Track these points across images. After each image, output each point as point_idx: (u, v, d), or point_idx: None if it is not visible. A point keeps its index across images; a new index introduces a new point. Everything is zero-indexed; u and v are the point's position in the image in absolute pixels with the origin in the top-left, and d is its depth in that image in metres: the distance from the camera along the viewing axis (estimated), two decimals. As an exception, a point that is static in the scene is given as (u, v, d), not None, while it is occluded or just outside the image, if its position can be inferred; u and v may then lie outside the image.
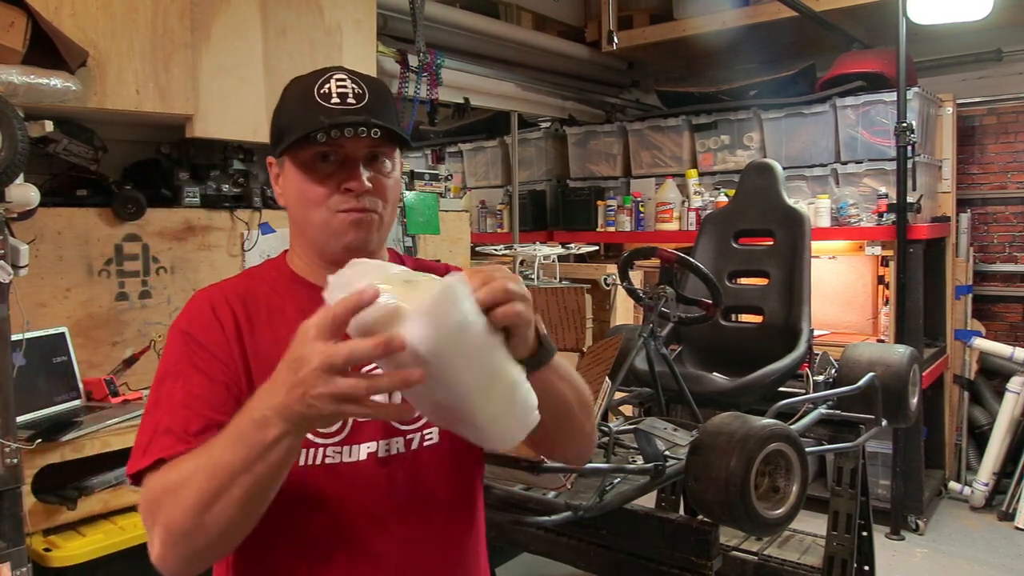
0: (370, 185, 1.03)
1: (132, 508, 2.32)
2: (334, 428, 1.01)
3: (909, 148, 3.69)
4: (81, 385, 2.45)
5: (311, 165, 1.03)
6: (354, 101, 1.02)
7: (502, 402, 0.85)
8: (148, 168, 2.85)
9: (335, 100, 1.01)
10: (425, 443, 1.07)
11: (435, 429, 1.07)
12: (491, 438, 0.88)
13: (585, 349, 3.22)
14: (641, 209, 4.69)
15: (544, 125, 5.23)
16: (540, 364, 0.94)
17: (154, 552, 0.90)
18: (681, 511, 2.85)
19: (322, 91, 1.02)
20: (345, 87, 1.03)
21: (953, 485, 4.26)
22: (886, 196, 3.88)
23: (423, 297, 0.79)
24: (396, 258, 1.17)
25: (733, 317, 2.89)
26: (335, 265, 1.05)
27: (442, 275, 1.06)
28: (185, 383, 0.99)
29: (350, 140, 1.01)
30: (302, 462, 0.99)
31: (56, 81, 2.13)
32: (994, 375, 4.44)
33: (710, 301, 2.26)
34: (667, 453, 1.99)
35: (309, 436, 0.97)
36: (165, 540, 0.88)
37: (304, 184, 1.04)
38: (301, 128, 1.00)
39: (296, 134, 1.00)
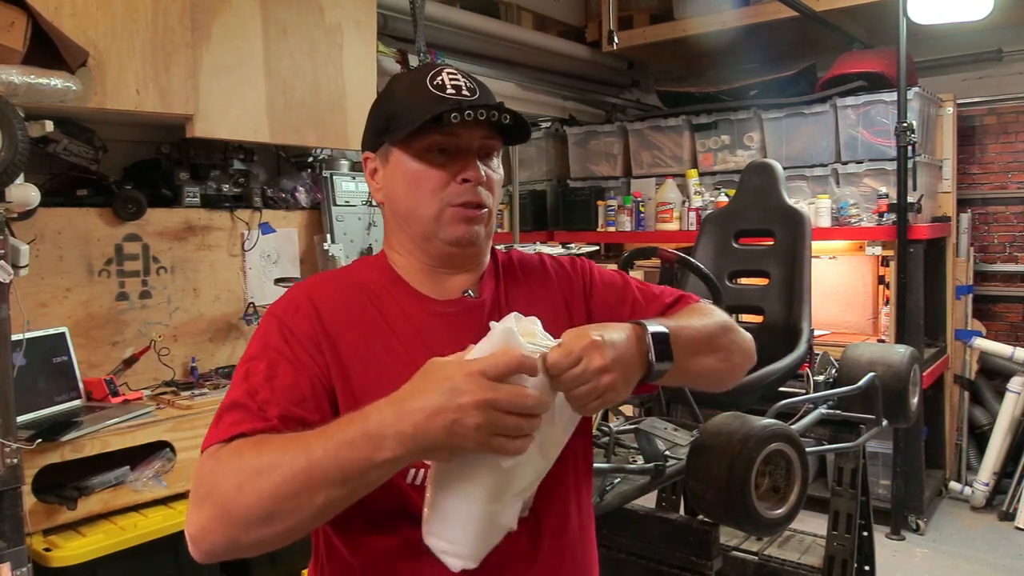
0: (485, 176, 1.02)
1: (132, 508, 2.32)
2: None
3: (909, 148, 3.69)
4: (81, 385, 2.45)
5: (425, 155, 1.01)
6: (468, 93, 1.01)
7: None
8: (148, 168, 2.85)
9: (451, 91, 1.01)
10: None
11: None
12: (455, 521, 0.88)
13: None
14: (641, 209, 4.69)
15: (544, 125, 5.23)
16: (649, 382, 0.97)
17: (195, 525, 0.84)
18: (681, 511, 2.84)
19: (435, 82, 1.01)
20: (458, 80, 1.02)
21: (953, 485, 4.26)
22: (886, 196, 3.88)
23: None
24: (496, 254, 1.16)
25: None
26: (438, 262, 1.06)
27: (543, 262, 1.19)
28: (269, 367, 0.95)
29: (465, 132, 1.00)
30: (408, 479, 0.96)
31: (56, 81, 2.13)
32: (994, 375, 4.44)
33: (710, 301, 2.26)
34: (667, 453, 1.99)
35: None
36: (217, 518, 0.83)
37: (419, 173, 1.02)
38: (422, 113, 0.98)
39: (420, 119, 0.98)
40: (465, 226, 1.02)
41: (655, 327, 0.96)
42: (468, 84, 1.03)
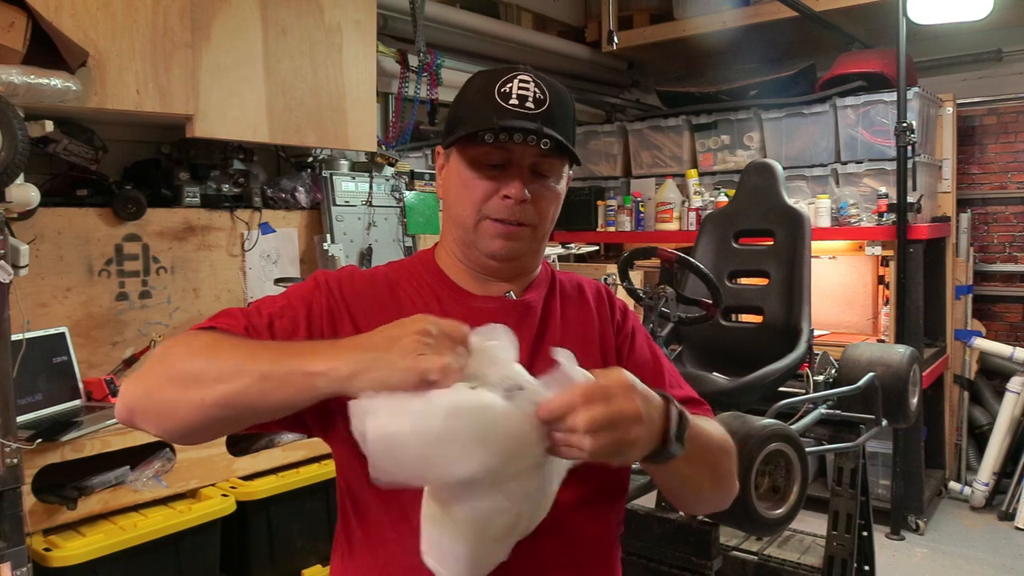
0: (529, 196, 1.00)
1: (132, 508, 2.32)
2: None
3: (909, 148, 3.69)
4: (81, 385, 2.45)
5: (476, 163, 1.01)
6: (532, 106, 1.00)
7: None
8: (148, 168, 2.85)
9: (513, 101, 1.00)
10: None
11: None
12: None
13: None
14: (641, 209, 4.69)
15: (544, 125, 5.22)
16: (657, 461, 0.90)
17: (131, 373, 0.89)
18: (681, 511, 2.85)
19: (503, 89, 1.00)
20: (527, 89, 1.01)
21: (953, 485, 4.26)
22: (886, 196, 3.88)
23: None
24: (548, 270, 1.15)
25: (733, 317, 2.88)
26: (480, 269, 1.07)
27: (588, 293, 1.13)
28: (283, 309, 1.00)
29: (518, 148, 0.98)
30: None
31: (56, 81, 2.13)
32: (994, 375, 4.44)
33: (710, 301, 2.26)
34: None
35: None
36: (151, 369, 0.88)
37: (466, 181, 1.02)
38: (472, 124, 0.99)
39: (465, 129, 0.99)
40: (501, 241, 1.02)
41: (679, 405, 0.91)
42: (537, 94, 1.01)
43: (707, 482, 1.04)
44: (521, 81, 1.01)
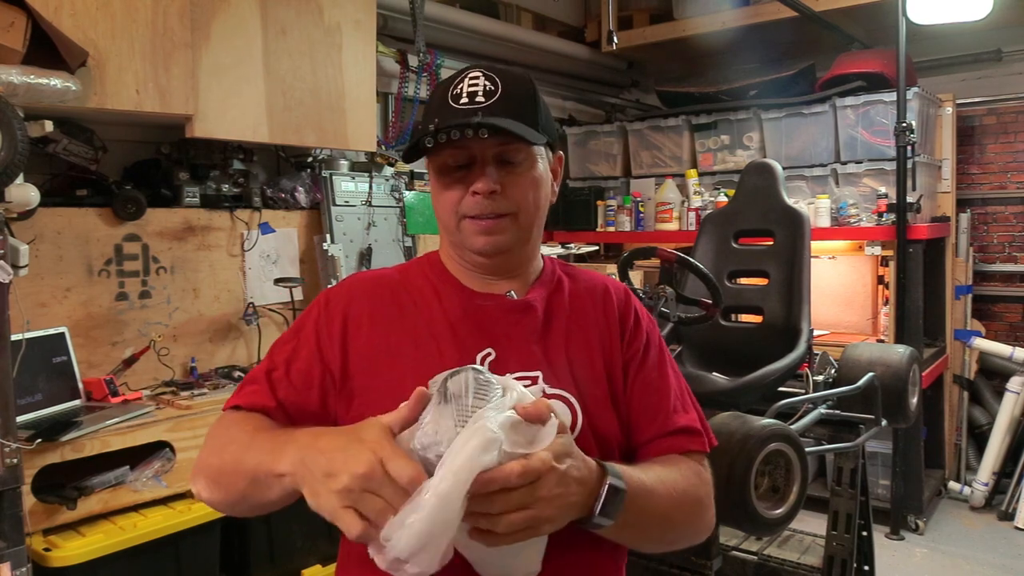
0: (498, 186, 1.00)
1: (131, 508, 2.32)
2: None
3: (909, 148, 3.69)
4: (81, 385, 2.45)
5: (444, 169, 1.02)
6: (483, 98, 0.99)
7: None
8: (148, 168, 2.85)
9: (464, 100, 0.99)
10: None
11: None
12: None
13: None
14: (641, 209, 4.68)
15: (544, 125, 5.22)
16: (582, 527, 0.88)
17: (194, 467, 1.00)
18: (681, 511, 2.84)
19: (455, 91, 1.00)
20: (477, 84, 1.00)
21: (953, 485, 4.26)
22: (886, 196, 3.88)
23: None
24: (551, 265, 1.14)
25: (733, 317, 2.88)
26: (477, 268, 1.08)
27: (599, 296, 1.12)
28: (294, 351, 1.04)
29: (474, 141, 0.97)
30: None
31: (56, 81, 2.13)
32: (994, 375, 4.44)
33: (710, 301, 2.26)
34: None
35: None
36: (196, 467, 1.00)
37: (440, 188, 1.04)
38: (420, 134, 1.00)
39: (413, 142, 1.02)
40: (484, 238, 1.02)
41: (616, 480, 0.88)
42: (488, 86, 1.00)
43: (653, 538, 1.01)
44: (471, 79, 1.01)
